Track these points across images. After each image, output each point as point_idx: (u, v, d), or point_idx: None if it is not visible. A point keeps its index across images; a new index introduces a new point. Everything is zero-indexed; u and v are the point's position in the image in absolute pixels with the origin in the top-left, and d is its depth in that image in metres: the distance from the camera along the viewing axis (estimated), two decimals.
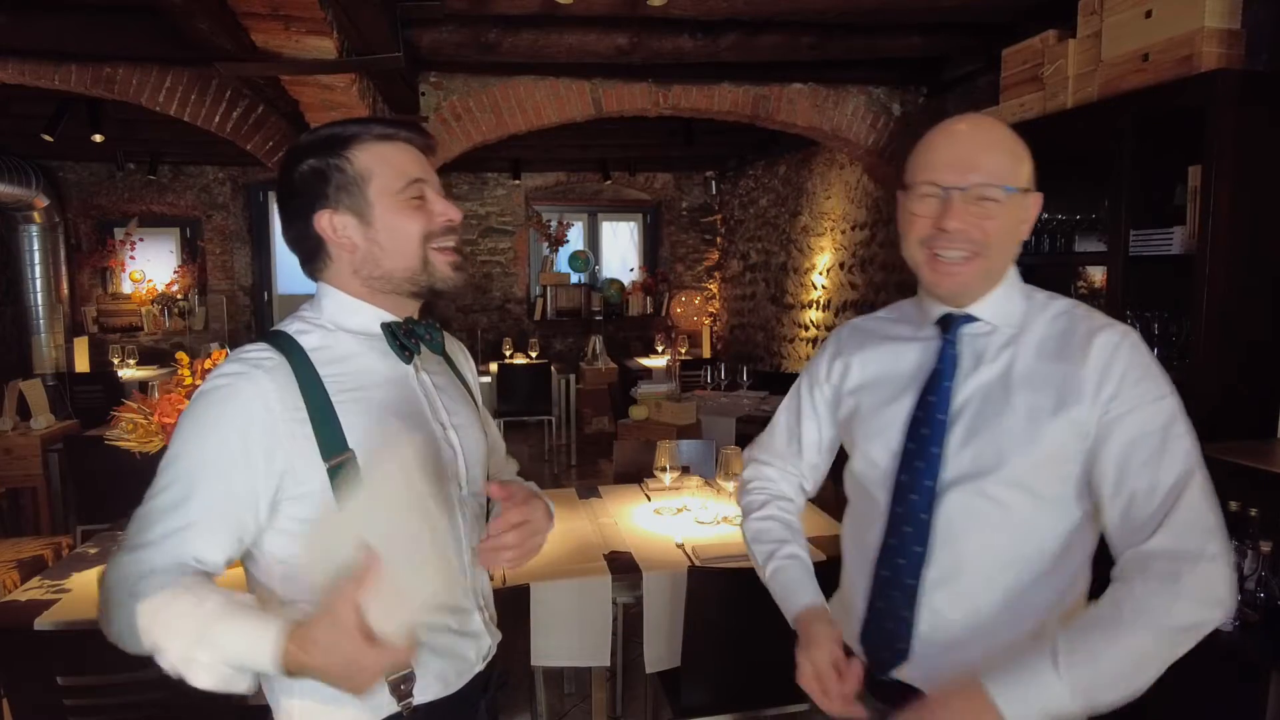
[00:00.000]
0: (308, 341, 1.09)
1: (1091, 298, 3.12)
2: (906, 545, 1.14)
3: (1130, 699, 0.98)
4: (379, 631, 0.87)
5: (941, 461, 1.13)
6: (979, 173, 1.10)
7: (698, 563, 2.25)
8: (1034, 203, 1.15)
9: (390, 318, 1.15)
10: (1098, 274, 3.06)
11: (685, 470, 3.07)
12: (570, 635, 2.19)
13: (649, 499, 2.90)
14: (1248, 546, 2.04)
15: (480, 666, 1.20)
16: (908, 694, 1.15)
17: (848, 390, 1.29)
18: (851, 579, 1.27)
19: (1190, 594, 0.97)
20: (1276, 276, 2.36)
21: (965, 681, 1.00)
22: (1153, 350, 2.78)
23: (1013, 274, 1.18)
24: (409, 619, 0.90)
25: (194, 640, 0.92)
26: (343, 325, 1.13)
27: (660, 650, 2.20)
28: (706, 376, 5.63)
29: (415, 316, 1.18)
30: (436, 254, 1.13)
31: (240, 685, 0.94)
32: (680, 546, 2.41)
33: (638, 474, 3.17)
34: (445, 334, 1.26)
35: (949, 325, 1.17)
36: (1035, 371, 1.11)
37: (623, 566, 2.26)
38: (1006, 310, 1.16)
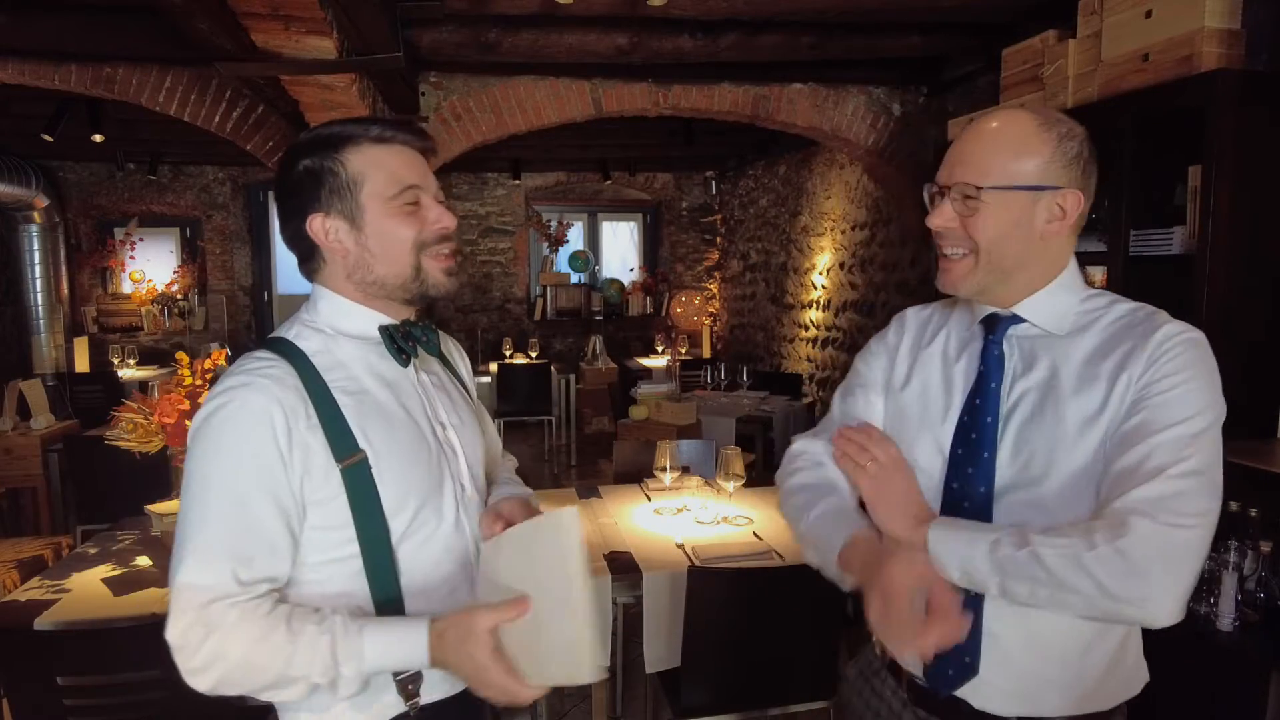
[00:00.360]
0: (308, 346, 1.09)
1: None
2: None
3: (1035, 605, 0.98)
4: (511, 657, 1.00)
5: (995, 466, 1.07)
6: (961, 170, 1.07)
7: (698, 563, 2.25)
8: (1055, 200, 1.05)
9: (387, 320, 1.14)
10: (1098, 274, 3.06)
11: (685, 470, 3.07)
12: None
13: (649, 499, 2.90)
14: (1248, 546, 2.04)
15: None
16: (960, 709, 1.11)
17: (898, 385, 1.23)
18: None
19: (1112, 547, 0.91)
20: (1276, 276, 2.36)
21: (925, 501, 1.09)
22: None
23: (1068, 275, 1.11)
24: (536, 667, 1.01)
25: (338, 659, 0.98)
26: (340, 329, 1.12)
27: (660, 650, 2.20)
28: (706, 376, 5.63)
29: (413, 318, 1.18)
30: (430, 261, 1.12)
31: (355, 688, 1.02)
32: (680, 546, 2.41)
33: (638, 474, 3.17)
34: (440, 333, 1.26)
35: (994, 326, 1.13)
36: (1086, 375, 1.05)
37: (623, 566, 2.26)
38: (1055, 312, 1.09)
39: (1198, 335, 1.03)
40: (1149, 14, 2.52)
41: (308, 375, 1.05)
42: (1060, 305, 1.10)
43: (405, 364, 1.15)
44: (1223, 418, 1.00)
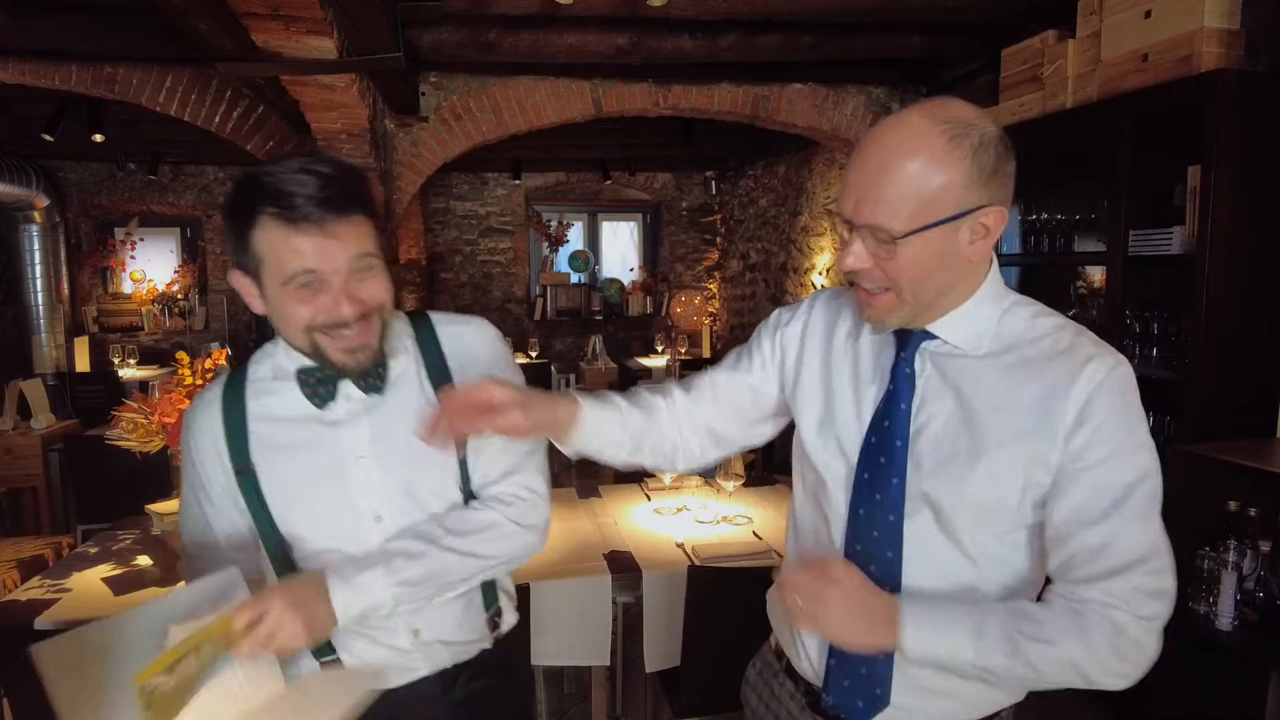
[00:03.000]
0: (256, 372, 1.23)
1: (1091, 297, 3.12)
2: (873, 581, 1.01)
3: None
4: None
5: (904, 494, 1.01)
6: (870, 211, 0.94)
7: (698, 562, 2.25)
8: (977, 220, 0.95)
9: (309, 364, 1.17)
10: (1097, 274, 3.06)
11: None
12: (570, 635, 2.19)
13: (649, 498, 2.90)
14: (1247, 546, 2.05)
15: (419, 662, 1.30)
16: None
17: (802, 362, 1.15)
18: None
19: (1111, 648, 0.93)
20: (1276, 276, 2.37)
21: (883, 593, 0.97)
22: (1152, 351, 2.79)
23: (988, 288, 1.02)
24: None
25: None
26: (277, 363, 1.21)
27: (660, 650, 2.20)
28: None
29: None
30: (326, 340, 1.10)
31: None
32: (680, 546, 2.41)
33: (638, 474, 3.17)
34: (448, 337, 1.25)
35: (906, 341, 1.03)
36: (1004, 401, 0.97)
37: (623, 566, 2.26)
38: (972, 329, 1.01)
39: (1123, 371, 0.96)
40: (1148, 14, 2.52)
41: (233, 395, 1.22)
42: (978, 322, 1.01)
43: (319, 406, 1.19)
44: (1153, 445, 0.97)
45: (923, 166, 0.91)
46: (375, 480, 1.19)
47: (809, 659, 1.14)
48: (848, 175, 0.97)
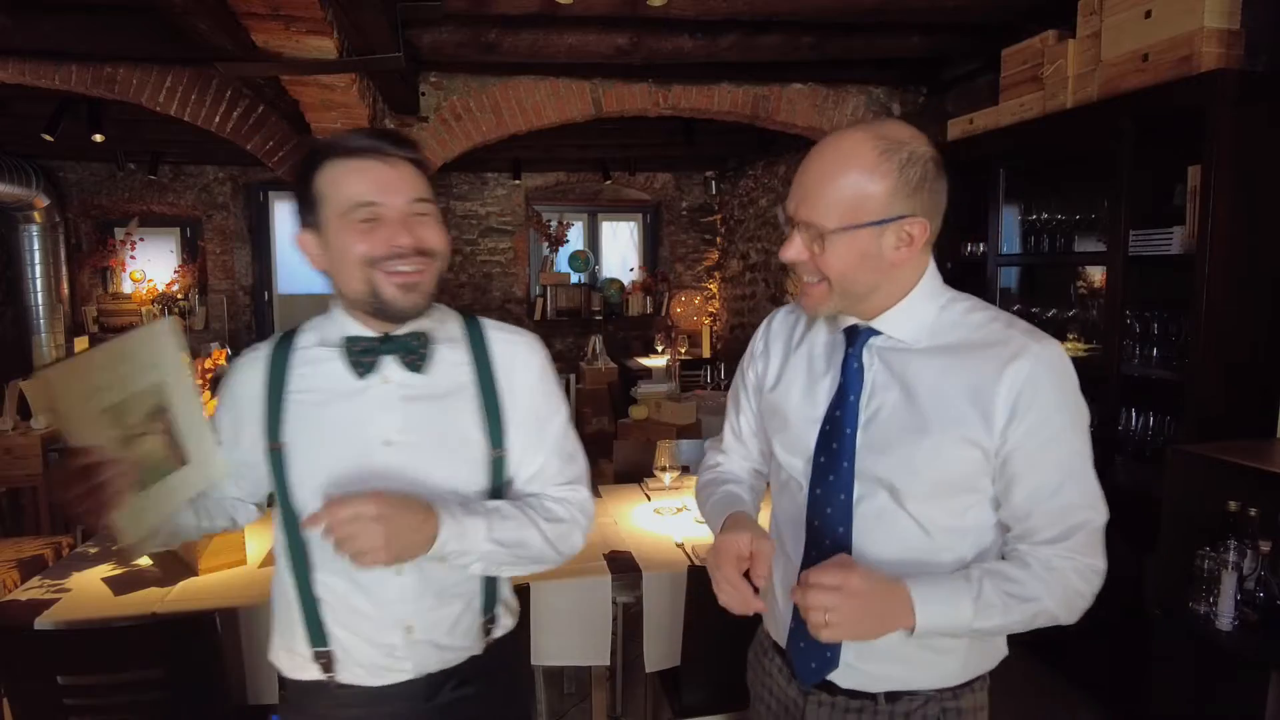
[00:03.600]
0: (303, 340, 1.25)
1: (1091, 297, 3.13)
2: (827, 557, 1.10)
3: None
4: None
5: (853, 476, 1.12)
6: (807, 209, 1.07)
7: (698, 562, 2.25)
8: (901, 228, 1.06)
9: (360, 332, 1.20)
10: (1097, 274, 3.07)
11: (685, 470, 3.07)
12: (570, 635, 2.19)
13: (649, 499, 2.90)
14: (1247, 546, 2.05)
15: (407, 667, 1.30)
16: (832, 688, 1.19)
17: (768, 387, 1.28)
18: (775, 581, 1.26)
19: (1076, 594, 1.08)
20: (1276, 276, 2.37)
21: (890, 579, 1.05)
22: (1152, 351, 2.79)
23: (925, 285, 1.13)
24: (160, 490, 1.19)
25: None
26: (325, 333, 1.24)
27: (660, 650, 2.20)
28: (706, 376, 5.63)
29: (415, 331, 1.21)
30: (382, 276, 1.13)
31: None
32: (680, 546, 2.41)
33: (638, 474, 3.17)
34: (499, 343, 1.27)
35: (854, 338, 1.15)
36: (943, 389, 1.08)
37: (622, 566, 2.26)
38: (912, 324, 1.12)
39: (1049, 354, 1.06)
40: (1149, 14, 2.52)
41: (277, 364, 1.23)
42: (917, 317, 1.12)
43: (360, 376, 1.20)
44: (1086, 420, 1.10)
45: (855, 175, 1.04)
46: (395, 468, 1.18)
47: (779, 621, 1.25)
48: (795, 179, 1.11)
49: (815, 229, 1.07)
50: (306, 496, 1.19)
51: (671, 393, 5.03)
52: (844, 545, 1.14)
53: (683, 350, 7.52)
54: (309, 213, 1.16)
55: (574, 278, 8.54)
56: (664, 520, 2.67)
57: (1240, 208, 2.30)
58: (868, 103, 4.63)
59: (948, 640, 1.13)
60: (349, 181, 1.13)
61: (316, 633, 1.21)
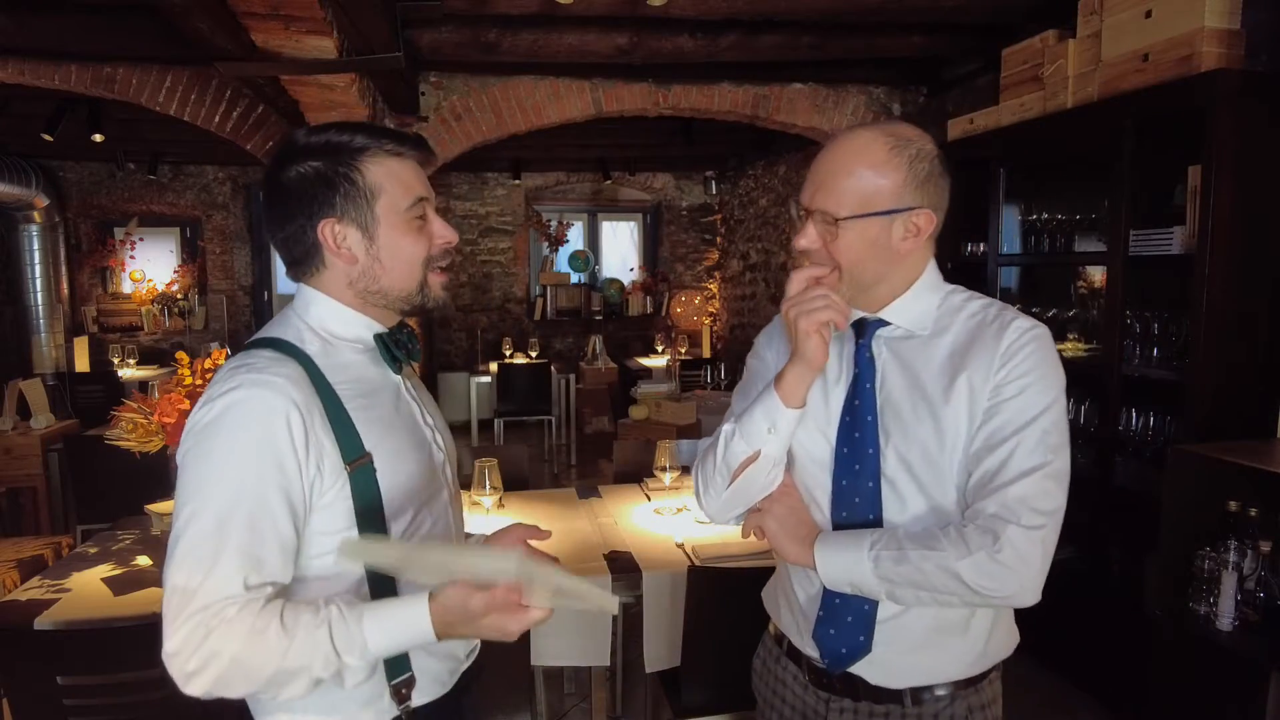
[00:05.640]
0: (310, 350, 1.08)
1: (1091, 297, 3.13)
2: None
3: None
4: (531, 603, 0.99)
5: (880, 460, 1.15)
6: (821, 198, 1.13)
7: (698, 562, 2.25)
8: (909, 219, 1.12)
9: (380, 328, 1.15)
10: (1097, 274, 3.06)
11: (685, 470, 3.07)
12: (570, 635, 2.19)
13: (649, 499, 2.90)
14: (1247, 546, 2.05)
15: (468, 664, 1.22)
16: (855, 686, 1.20)
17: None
18: (792, 581, 1.27)
19: (987, 553, 1.04)
20: (1276, 276, 2.37)
21: (813, 524, 1.18)
22: (1152, 351, 2.79)
23: (928, 277, 1.20)
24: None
25: (339, 650, 0.95)
26: (336, 334, 1.12)
27: (660, 650, 2.20)
28: (706, 376, 5.63)
29: (398, 324, 1.21)
30: (433, 276, 1.14)
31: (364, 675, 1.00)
32: (680, 546, 2.41)
33: (638, 474, 3.17)
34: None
35: (863, 330, 1.21)
36: (948, 371, 1.14)
37: (623, 566, 2.26)
38: (916, 314, 1.18)
39: (1041, 330, 1.13)
40: (1149, 14, 2.52)
41: (316, 376, 1.05)
42: (921, 307, 1.19)
43: (398, 371, 1.16)
44: (1064, 399, 1.12)
45: (867, 168, 1.11)
46: (439, 457, 1.20)
47: (804, 625, 1.24)
48: (809, 172, 1.17)
49: (829, 216, 1.12)
50: (397, 503, 1.08)
51: (671, 393, 5.03)
52: None
53: (683, 350, 7.52)
54: (350, 204, 1.07)
55: (574, 278, 8.54)
56: (664, 520, 2.67)
57: (1240, 208, 2.30)
58: (868, 103, 4.63)
59: (963, 615, 1.15)
60: (407, 175, 1.10)
61: (397, 661, 1.09)
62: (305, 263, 1.11)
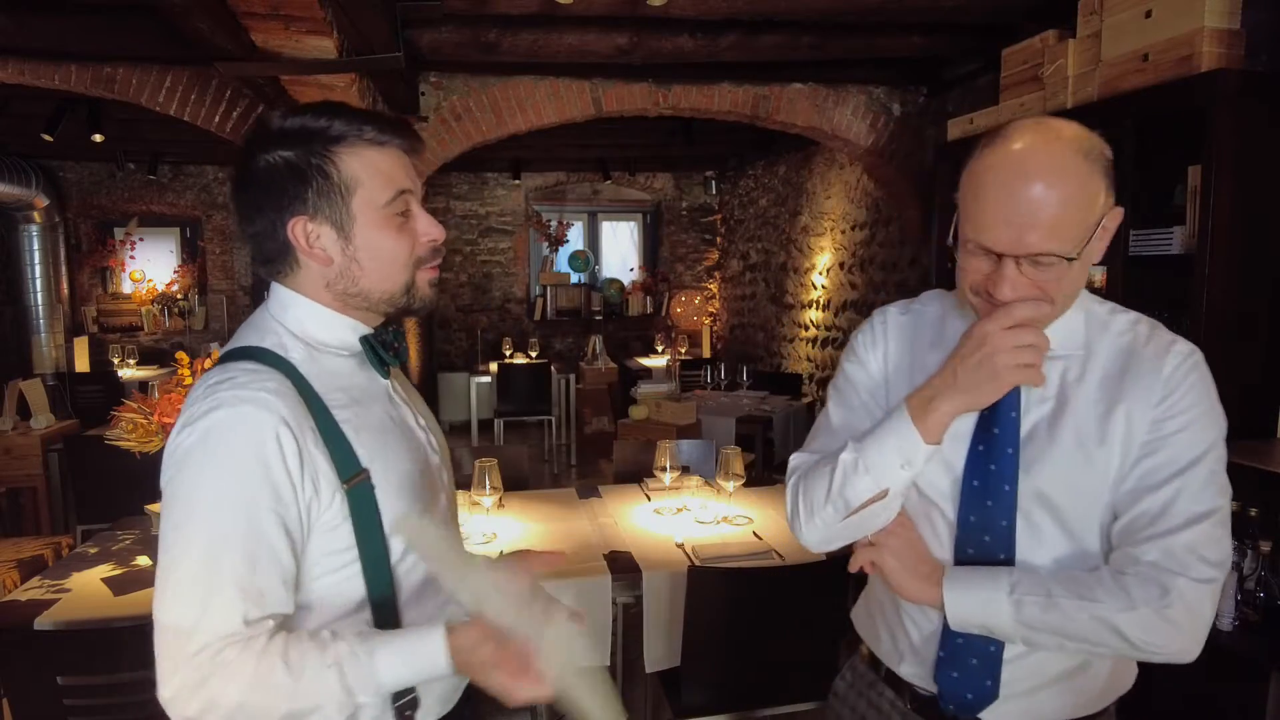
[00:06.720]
0: (294, 357, 0.99)
1: None
2: None
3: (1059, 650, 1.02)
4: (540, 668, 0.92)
5: (1015, 499, 1.04)
6: (1039, 239, 0.95)
7: (698, 562, 2.25)
8: (1110, 227, 1.01)
9: (366, 329, 1.06)
10: (1098, 274, 3.06)
11: (685, 470, 3.07)
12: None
13: (649, 499, 2.90)
14: (1248, 546, 2.05)
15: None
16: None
17: (894, 387, 1.16)
18: (903, 613, 1.16)
19: (1154, 609, 0.94)
20: (1276, 276, 2.36)
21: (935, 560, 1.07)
22: None
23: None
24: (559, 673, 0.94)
25: (352, 690, 0.90)
26: (317, 339, 1.03)
27: (660, 650, 2.20)
28: (706, 376, 5.63)
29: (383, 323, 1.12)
30: (420, 275, 1.05)
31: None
32: (680, 546, 2.41)
33: (638, 474, 3.17)
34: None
35: None
36: (1100, 399, 1.03)
37: (623, 566, 2.26)
38: (1066, 334, 1.05)
39: (1198, 356, 1.03)
40: (1149, 14, 2.52)
41: (303, 387, 0.96)
42: (1070, 324, 1.06)
43: (386, 375, 1.09)
44: (1225, 430, 1.02)
45: (1076, 190, 0.96)
46: (435, 459, 1.14)
47: (912, 658, 1.15)
48: (985, 206, 0.97)
49: (1053, 258, 0.96)
50: (393, 526, 1.01)
51: (671, 393, 5.03)
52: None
53: (683, 350, 7.52)
54: (324, 200, 0.97)
55: (574, 278, 8.54)
56: (664, 520, 2.67)
57: (1240, 208, 2.30)
58: (868, 103, 4.63)
59: (1085, 668, 1.07)
60: (388, 166, 1.00)
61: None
62: (277, 261, 1.02)
